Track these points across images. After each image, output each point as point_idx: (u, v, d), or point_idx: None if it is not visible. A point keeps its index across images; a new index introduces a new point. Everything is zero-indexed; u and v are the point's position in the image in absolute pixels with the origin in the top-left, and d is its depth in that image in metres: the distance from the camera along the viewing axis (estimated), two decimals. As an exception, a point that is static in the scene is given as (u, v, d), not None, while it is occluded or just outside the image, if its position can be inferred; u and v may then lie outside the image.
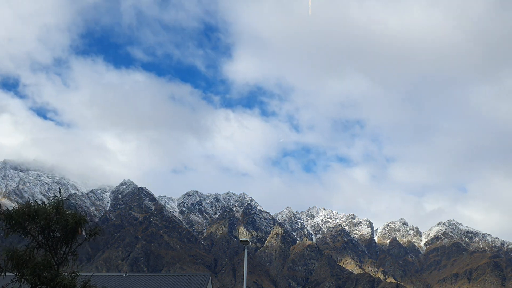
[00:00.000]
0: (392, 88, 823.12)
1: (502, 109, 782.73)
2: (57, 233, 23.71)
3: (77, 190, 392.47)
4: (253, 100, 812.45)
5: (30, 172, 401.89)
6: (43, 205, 23.40)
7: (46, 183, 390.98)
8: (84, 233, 24.20)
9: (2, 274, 22.22)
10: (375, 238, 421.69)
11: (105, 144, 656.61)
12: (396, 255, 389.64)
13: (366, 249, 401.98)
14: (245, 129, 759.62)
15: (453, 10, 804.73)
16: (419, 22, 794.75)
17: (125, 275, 68.05)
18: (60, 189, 26.07)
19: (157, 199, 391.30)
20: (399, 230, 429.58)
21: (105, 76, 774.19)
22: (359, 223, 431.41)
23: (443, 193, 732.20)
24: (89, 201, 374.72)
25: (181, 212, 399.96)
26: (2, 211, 23.28)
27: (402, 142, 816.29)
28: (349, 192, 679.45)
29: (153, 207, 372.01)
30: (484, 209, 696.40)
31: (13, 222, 23.11)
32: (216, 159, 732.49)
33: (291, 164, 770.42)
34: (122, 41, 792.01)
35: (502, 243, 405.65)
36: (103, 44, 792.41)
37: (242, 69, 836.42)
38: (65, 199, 23.96)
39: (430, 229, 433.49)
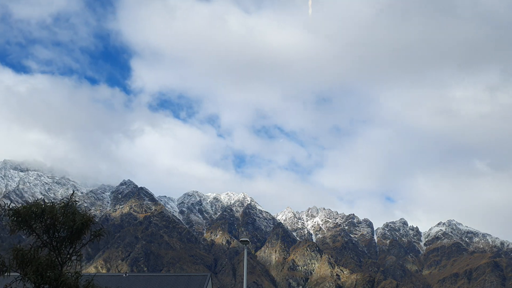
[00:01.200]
0: (303, 97, 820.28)
1: (415, 116, 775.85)
2: (62, 233, 23.87)
3: (77, 190, 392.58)
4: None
5: (30, 172, 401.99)
6: (50, 204, 23.56)
7: (46, 183, 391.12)
8: (88, 234, 24.38)
9: (6, 273, 22.38)
10: (375, 238, 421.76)
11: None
12: (396, 255, 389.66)
13: (366, 249, 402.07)
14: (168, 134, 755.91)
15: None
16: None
17: (125, 275, 68.27)
18: (73, 191, 26.20)
19: (157, 199, 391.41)
20: (399, 230, 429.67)
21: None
22: (359, 223, 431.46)
23: (371, 200, 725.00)
24: (89, 201, 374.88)
25: (181, 212, 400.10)
26: (10, 207, 23.44)
27: (323, 148, 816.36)
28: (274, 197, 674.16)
29: (153, 207, 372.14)
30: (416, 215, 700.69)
31: (20, 219, 23.26)
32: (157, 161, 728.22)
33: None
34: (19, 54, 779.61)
35: (502, 243, 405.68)
36: None
37: (143, 84, 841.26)
38: (74, 200, 24.13)
39: (430, 229, 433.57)
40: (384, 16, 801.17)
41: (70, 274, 23.23)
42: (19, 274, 23.09)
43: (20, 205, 23.70)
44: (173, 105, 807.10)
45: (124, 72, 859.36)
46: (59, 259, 23.94)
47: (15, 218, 23.36)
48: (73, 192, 25.80)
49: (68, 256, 24.18)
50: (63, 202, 24.11)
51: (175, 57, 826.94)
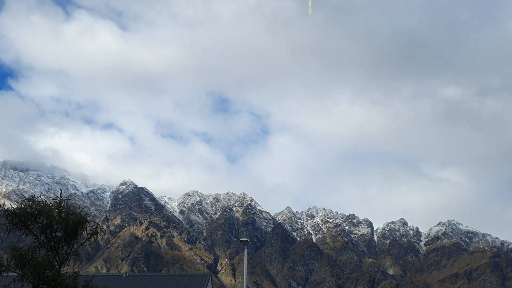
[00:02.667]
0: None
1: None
2: (58, 232, 23.76)
3: (77, 190, 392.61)
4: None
5: (30, 172, 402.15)
6: (43, 204, 23.47)
7: (46, 183, 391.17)
8: (85, 233, 24.27)
9: (4, 273, 22.30)
10: (375, 238, 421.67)
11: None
12: (396, 255, 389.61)
13: (366, 249, 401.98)
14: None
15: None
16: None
17: (125, 275, 68.19)
18: (61, 190, 26.07)
19: (157, 199, 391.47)
20: (399, 230, 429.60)
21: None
22: (359, 223, 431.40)
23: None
24: (89, 201, 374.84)
25: (181, 212, 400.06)
26: (5, 209, 23.38)
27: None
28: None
29: (153, 207, 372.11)
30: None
31: (16, 220, 23.18)
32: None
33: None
34: None
35: (502, 243, 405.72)
36: None
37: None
38: (66, 199, 24.01)
39: (430, 229, 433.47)
40: (254, 19, 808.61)
41: (68, 274, 23.13)
42: (17, 274, 22.99)
43: (17, 205, 23.61)
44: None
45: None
46: (57, 259, 23.84)
47: (11, 219, 23.29)
48: (61, 190, 25.68)
49: (66, 256, 24.07)
50: (56, 202, 24.02)
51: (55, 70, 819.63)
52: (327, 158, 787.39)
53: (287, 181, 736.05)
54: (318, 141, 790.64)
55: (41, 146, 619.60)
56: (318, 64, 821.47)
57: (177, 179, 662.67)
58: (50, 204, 23.76)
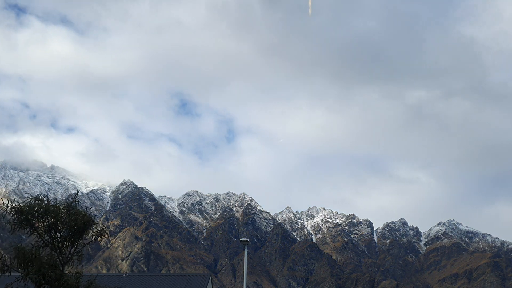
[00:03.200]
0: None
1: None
2: (63, 232, 23.83)
3: (77, 190, 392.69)
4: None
5: (30, 172, 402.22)
6: (53, 204, 23.54)
7: (46, 183, 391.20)
8: (90, 234, 24.39)
9: (7, 273, 22.37)
10: (375, 238, 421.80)
11: None
12: (396, 255, 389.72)
13: (366, 249, 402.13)
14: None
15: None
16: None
17: (125, 275, 68.29)
18: (77, 191, 26.17)
19: (157, 199, 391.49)
20: (399, 230, 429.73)
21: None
22: (359, 223, 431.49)
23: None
24: (89, 201, 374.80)
25: (181, 212, 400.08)
26: (12, 206, 23.38)
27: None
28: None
29: (153, 207, 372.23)
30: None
31: (22, 217, 23.22)
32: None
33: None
34: None
35: (502, 243, 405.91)
36: None
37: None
38: (77, 202, 24.11)
39: (430, 229, 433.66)
40: (217, 21, 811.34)
41: (71, 274, 23.21)
42: (20, 273, 23.06)
43: (24, 203, 23.61)
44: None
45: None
46: (60, 258, 23.93)
47: (17, 217, 23.32)
48: (78, 192, 25.79)
49: (70, 256, 24.16)
50: (66, 202, 24.11)
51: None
52: (293, 161, 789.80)
53: (261, 183, 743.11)
54: (283, 144, 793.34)
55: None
56: (282, 66, 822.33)
57: (147, 180, 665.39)
58: (59, 204, 23.87)
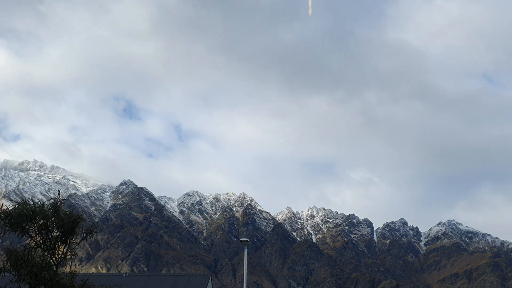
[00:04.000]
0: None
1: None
2: (55, 233, 23.79)
3: (77, 190, 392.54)
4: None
5: (30, 172, 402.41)
6: (40, 205, 23.51)
7: (46, 183, 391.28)
8: (81, 233, 24.28)
9: (0, 274, 22.27)
10: (375, 238, 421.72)
11: None
12: (396, 255, 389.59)
13: (366, 249, 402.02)
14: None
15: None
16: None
17: (125, 275, 68.07)
18: (59, 191, 26.08)
19: (157, 199, 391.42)
20: (399, 230, 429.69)
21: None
22: (359, 223, 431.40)
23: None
24: (89, 201, 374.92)
25: (181, 212, 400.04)
26: (1, 210, 23.39)
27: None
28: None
29: (153, 207, 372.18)
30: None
31: (12, 221, 23.20)
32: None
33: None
34: None
35: (502, 243, 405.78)
36: None
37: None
38: (64, 200, 24.09)
39: (430, 229, 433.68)
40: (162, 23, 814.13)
41: (65, 274, 23.15)
42: (13, 275, 22.99)
43: (12, 207, 23.61)
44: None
45: None
46: (54, 259, 23.85)
47: (7, 220, 23.35)
48: (59, 191, 25.67)
49: (63, 256, 24.08)
50: (52, 202, 24.07)
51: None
52: (245, 165, 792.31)
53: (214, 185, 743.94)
54: (235, 148, 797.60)
55: None
56: (228, 69, 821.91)
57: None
58: (46, 205, 23.83)
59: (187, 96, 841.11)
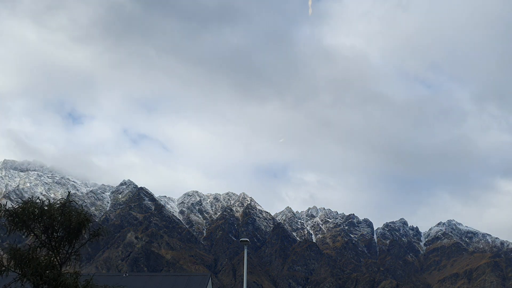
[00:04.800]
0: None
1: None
2: (60, 232, 23.79)
3: (77, 190, 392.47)
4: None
5: (30, 172, 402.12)
6: (47, 204, 23.51)
7: (46, 183, 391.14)
8: (87, 234, 24.29)
9: (4, 273, 22.29)
10: (375, 238, 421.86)
11: None
12: (396, 255, 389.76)
13: (366, 249, 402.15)
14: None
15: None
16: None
17: (125, 275, 68.17)
18: (69, 192, 26.17)
19: (157, 199, 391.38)
20: (399, 230, 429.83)
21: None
22: (359, 223, 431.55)
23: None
24: (89, 201, 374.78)
25: (181, 212, 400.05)
26: (6, 208, 23.41)
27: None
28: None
29: (153, 207, 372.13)
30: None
31: (17, 220, 23.20)
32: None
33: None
34: None
35: (502, 243, 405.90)
36: None
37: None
38: (71, 200, 24.08)
39: (430, 229, 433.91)
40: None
41: (69, 274, 23.17)
42: (17, 274, 23.00)
43: (18, 205, 23.55)
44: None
45: None
46: (58, 259, 23.88)
47: (12, 219, 23.31)
48: (69, 192, 25.73)
49: (67, 256, 24.10)
50: (60, 202, 24.07)
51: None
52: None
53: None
54: (182, 155, 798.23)
55: None
56: (176, 73, 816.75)
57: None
58: (54, 204, 23.82)
59: (133, 100, 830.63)
